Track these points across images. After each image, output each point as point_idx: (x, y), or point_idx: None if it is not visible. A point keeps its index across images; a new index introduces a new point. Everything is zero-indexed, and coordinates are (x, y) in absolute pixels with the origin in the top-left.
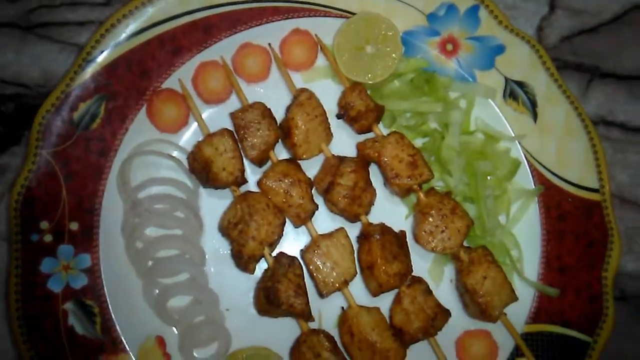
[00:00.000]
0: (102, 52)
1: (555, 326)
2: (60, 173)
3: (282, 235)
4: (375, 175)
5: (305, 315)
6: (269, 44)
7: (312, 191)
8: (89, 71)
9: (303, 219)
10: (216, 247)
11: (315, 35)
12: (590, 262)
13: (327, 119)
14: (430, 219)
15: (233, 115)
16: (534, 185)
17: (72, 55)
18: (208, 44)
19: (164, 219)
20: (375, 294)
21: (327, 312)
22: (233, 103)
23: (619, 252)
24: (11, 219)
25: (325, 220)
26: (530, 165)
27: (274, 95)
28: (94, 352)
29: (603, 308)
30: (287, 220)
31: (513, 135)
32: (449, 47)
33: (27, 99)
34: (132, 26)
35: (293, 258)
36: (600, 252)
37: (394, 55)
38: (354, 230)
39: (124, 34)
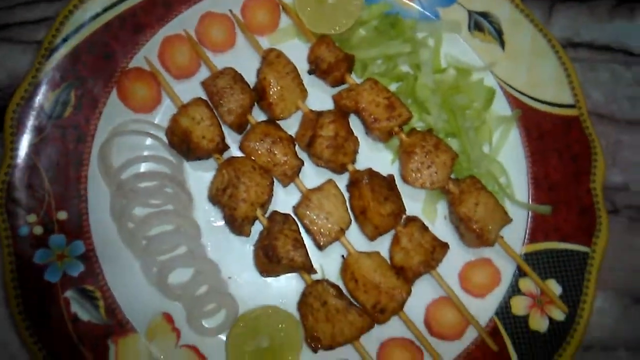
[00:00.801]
0: (64, 40)
1: (552, 242)
2: (40, 165)
3: (272, 195)
4: (356, 126)
5: (306, 267)
6: (230, 11)
7: (296, 148)
8: (53, 61)
9: (290, 177)
10: (209, 218)
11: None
12: (576, 176)
13: (299, 75)
14: (416, 157)
15: (204, 84)
16: (511, 110)
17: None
18: (169, 18)
19: (152, 196)
20: (372, 237)
21: (328, 265)
22: (203, 74)
23: (603, 162)
24: None
25: (312, 176)
26: (505, 92)
27: (242, 61)
28: (102, 337)
29: (596, 217)
30: (275, 180)
31: (484, 65)
32: None
33: None
34: (90, 10)
35: (286, 215)
36: (585, 164)
37: (355, 2)
38: (342, 182)
39: (83, 19)
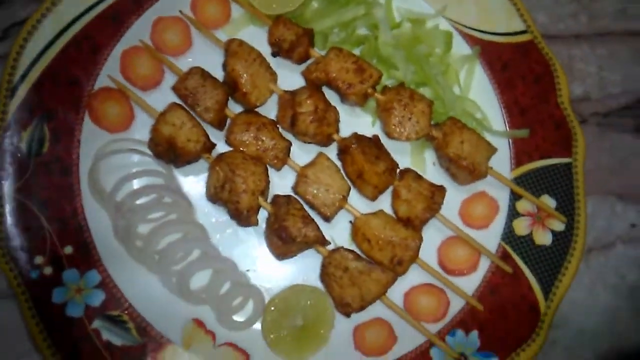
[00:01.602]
0: (22, 77)
1: (537, 161)
2: (32, 206)
3: (269, 181)
4: (330, 97)
5: (320, 240)
6: (180, 11)
7: (280, 131)
8: (17, 100)
9: (282, 159)
10: (211, 219)
11: None
12: (544, 95)
13: (265, 59)
14: (395, 112)
15: (175, 88)
16: (471, 49)
17: None
18: (122, 31)
19: (151, 211)
20: (373, 197)
21: (338, 235)
22: (170, 80)
23: (564, 76)
24: (3, 268)
25: (302, 155)
26: (461, 32)
27: (205, 59)
28: (140, 356)
29: (571, 129)
30: (269, 166)
31: (435, 11)
32: None
33: None
34: (42, 40)
35: (288, 196)
36: (549, 83)
37: None
38: (331, 153)
39: (37, 51)
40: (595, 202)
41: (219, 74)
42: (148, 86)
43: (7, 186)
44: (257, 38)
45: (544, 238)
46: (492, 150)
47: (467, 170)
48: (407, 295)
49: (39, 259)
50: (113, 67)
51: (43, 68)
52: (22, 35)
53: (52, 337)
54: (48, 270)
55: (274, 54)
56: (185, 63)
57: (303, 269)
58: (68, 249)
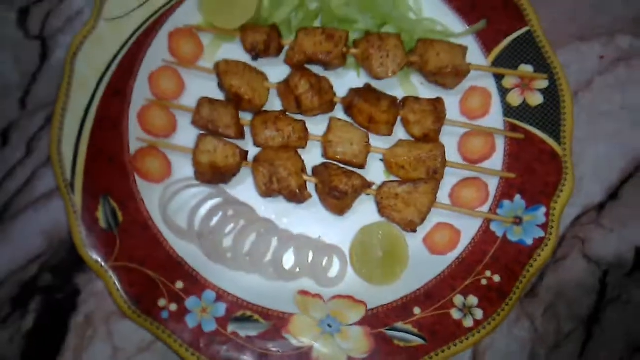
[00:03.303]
0: (72, 174)
1: (502, 41)
2: (134, 266)
3: (303, 160)
4: (316, 70)
5: (366, 184)
6: (163, 60)
7: (291, 116)
8: (78, 192)
9: (304, 137)
10: (272, 210)
11: (185, 25)
12: None
13: (250, 65)
14: (373, 57)
15: (194, 122)
16: None
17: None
18: (128, 98)
19: (225, 226)
20: (389, 132)
21: (376, 176)
22: (185, 120)
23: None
24: (142, 324)
25: (318, 127)
26: None
27: (203, 90)
28: (275, 334)
29: (516, 2)
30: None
31: None
32: None
33: (52, 259)
34: (72, 138)
35: (324, 163)
36: None
37: None
38: (339, 114)
39: (72, 148)
40: (563, 52)
41: (219, 95)
42: (170, 132)
43: (106, 263)
44: (234, 51)
45: (535, 99)
46: (464, 49)
47: (452, 74)
48: (452, 196)
49: (162, 302)
50: (136, 130)
51: (84, 159)
52: (54, 144)
53: (206, 355)
54: (173, 307)
55: (254, 58)
56: (188, 102)
57: (362, 215)
58: (179, 284)
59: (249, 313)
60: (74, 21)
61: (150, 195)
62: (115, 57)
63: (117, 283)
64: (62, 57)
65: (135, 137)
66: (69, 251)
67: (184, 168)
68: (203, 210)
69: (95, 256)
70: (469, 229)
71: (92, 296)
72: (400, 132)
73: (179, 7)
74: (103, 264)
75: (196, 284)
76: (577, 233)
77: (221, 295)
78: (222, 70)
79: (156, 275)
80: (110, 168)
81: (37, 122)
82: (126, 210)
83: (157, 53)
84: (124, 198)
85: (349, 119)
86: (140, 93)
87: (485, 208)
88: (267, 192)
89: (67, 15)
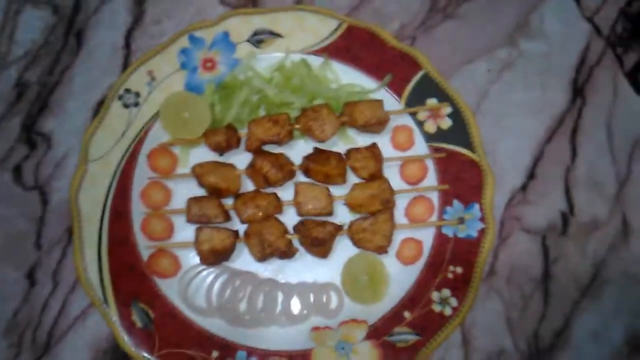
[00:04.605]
0: (104, 293)
1: (408, 85)
2: (174, 349)
3: (283, 223)
4: (271, 149)
5: (338, 228)
6: (148, 177)
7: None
8: (112, 306)
9: (278, 206)
10: (269, 270)
11: (158, 144)
12: (379, 45)
13: (219, 161)
14: (313, 127)
15: (188, 220)
16: (322, 57)
17: None
18: (130, 219)
19: (237, 294)
20: (343, 181)
21: (343, 217)
22: (180, 219)
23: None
24: None
25: (287, 193)
26: (310, 53)
27: (188, 193)
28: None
29: (408, 52)
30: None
31: (284, 52)
32: (208, 65)
33: None
34: (92, 249)
35: (301, 221)
36: (375, 35)
37: (202, 107)
38: (300, 178)
39: (95, 262)
40: (457, 76)
41: (201, 191)
42: (170, 233)
43: (155, 351)
44: (202, 153)
45: (445, 122)
46: (380, 102)
47: (377, 124)
48: (406, 215)
49: None
50: (142, 239)
51: (109, 277)
52: (80, 272)
53: None
54: None
55: (220, 154)
56: (178, 203)
57: (342, 252)
58: (215, 353)
59: (277, 358)
60: (61, 165)
61: (170, 288)
62: (109, 187)
63: None
64: (60, 198)
65: (145, 246)
66: (112, 353)
67: (190, 259)
68: (215, 287)
69: (141, 352)
70: (427, 237)
71: None
72: (352, 178)
73: (148, 134)
74: (149, 356)
75: (228, 348)
76: (512, 214)
77: (251, 351)
78: (199, 173)
79: (194, 352)
80: (132, 276)
81: (55, 257)
82: (155, 308)
83: (142, 173)
84: (150, 298)
85: (309, 180)
86: (138, 209)
87: (434, 217)
88: (262, 257)
89: (54, 161)
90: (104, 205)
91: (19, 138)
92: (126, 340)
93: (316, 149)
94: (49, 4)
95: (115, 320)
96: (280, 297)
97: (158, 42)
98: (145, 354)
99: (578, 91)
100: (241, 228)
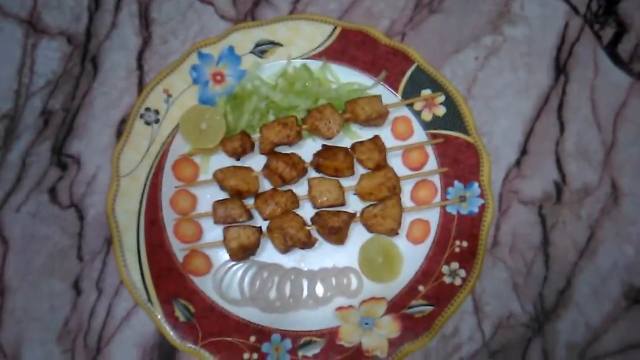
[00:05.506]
0: (148, 296)
1: (403, 79)
2: (216, 338)
3: (301, 217)
4: (283, 149)
5: (352, 216)
6: (175, 186)
7: (280, 189)
8: (155, 304)
9: (296, 201)
10: (292, 259)
11: (180, 155)
12: (371, 45)
13: (237, 165)
14: (319, 126)
15: (215, 222)
16: (320, 61)
17: None
18: (163, 227)
19: (266, 284)
20: (351, 173)
21: (355, 206)
22: (208, 222)
23: (375, 30)
24: None
25: (301, 188)
26: (308, 58)
27: (212, 197)
28: (333, 344)
29: (400, 48)
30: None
31: (286, 60)
32: (218, 78)
33: None
34: (133, 259)
35: (317, 212)
36: (367, 37)
37: (217, 118)
38: (312, 174)
39: (137, 271)
40: (448, 65)
41: (223, 194)
42: (199, 235)
43: (199, 341)
44: (221, 160)
45: (440, 110)
46: (379, 97)
47: (377, 117)
48: (412, 199)
49: (246, 355)
50: (175, 242)
51: (151, 279)
52: (125, 277)
53: None
54: (255, 356)
55: (237, 159)
56: (205, 207)
57: (357, 237)
58: (252, 338)
59: (308, 338)
60: (93, 183)
61: (206, 284)
62: (141, 198)
63: (209, 356)
64: (95, 212)
65: (179, 249)
66: (159, 347)
67: (220, 256)
68: (246, 280)
69: (187, 344)
70: (433, 217)
71: None
72: (360, 169)
73: (170, 147)
74: (195, 347)
75: (263, 333)
76: (510, 188)
77: (284, 334)
78: (220, 178)
79: (234, 339)
80: (171, 277)
81: (97, 267)
82: (194, 303)
83: (169, 183)
84: (189, 294)
85: (321, 175)
86: (169, 215)
87: (437, 198)
88: (285, 249)
89: (85, 181)
90: (139, 215)
91: (51, 162)
92: (172, 335)
93: (324, 146)
94: (62, 35)
95: (160, 317)
96: (305, 283)
97: (168, 60)
98: (191, 345)
99: (561, 69)
100: (264, 224)
